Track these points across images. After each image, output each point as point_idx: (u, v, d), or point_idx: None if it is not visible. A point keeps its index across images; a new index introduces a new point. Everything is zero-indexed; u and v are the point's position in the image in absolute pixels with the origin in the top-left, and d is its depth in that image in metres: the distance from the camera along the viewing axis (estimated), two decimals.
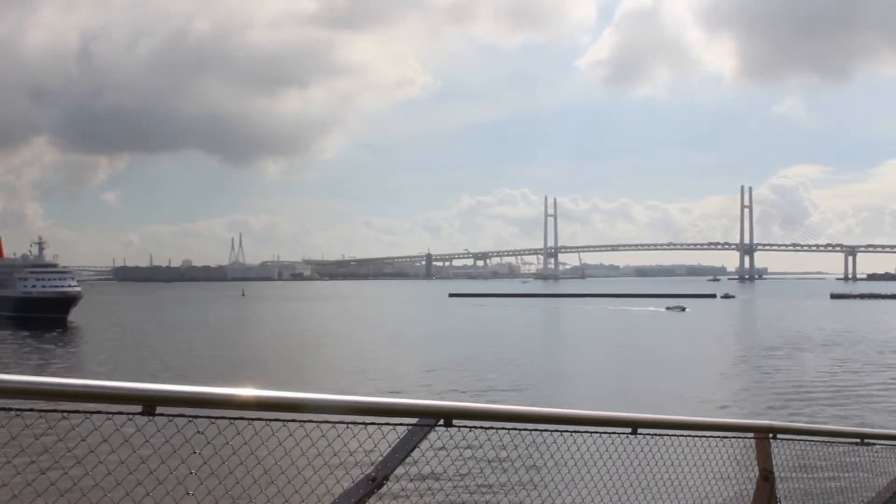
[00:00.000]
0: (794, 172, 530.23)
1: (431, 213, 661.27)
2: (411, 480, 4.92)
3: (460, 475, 5.39)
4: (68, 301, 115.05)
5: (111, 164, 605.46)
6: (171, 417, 3.76)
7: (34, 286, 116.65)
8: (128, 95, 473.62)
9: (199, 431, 3.96)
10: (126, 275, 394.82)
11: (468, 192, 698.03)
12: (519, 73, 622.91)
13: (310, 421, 4.15)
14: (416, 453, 4.59)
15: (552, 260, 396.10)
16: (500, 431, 4.95)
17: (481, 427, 4.84)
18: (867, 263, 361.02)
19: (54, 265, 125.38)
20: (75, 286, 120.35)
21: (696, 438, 6.57)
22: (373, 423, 4.41)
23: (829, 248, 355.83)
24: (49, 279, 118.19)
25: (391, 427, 4.49)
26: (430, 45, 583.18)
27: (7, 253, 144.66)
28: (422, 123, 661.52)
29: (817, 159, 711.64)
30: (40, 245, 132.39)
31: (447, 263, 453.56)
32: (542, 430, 5.28)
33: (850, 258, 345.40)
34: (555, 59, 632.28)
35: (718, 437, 6.72)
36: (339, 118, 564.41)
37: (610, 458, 6.04)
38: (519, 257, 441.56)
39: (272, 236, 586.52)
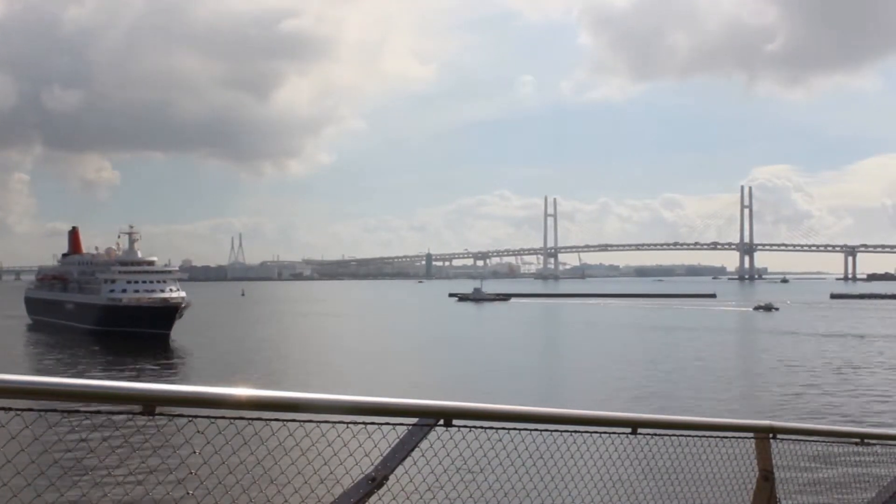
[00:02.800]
0: (768, 172, 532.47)
1: (419, 212, 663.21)
2: (411, 480, 4.92)
3: (460, 475, 5.38)
4: (170, 312, 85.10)
5: (102, 163, 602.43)
6: (170, 417, 3.76)
7: (124, 291, 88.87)
8: (116, 92, 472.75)
9: (198, 431, 3.96)
10: None
11: (455, 192, 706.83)
12: (503, 70, 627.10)
13: (310, 421, 4.15)
14: (415, 453, 4.58)
15: (552, 260, 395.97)
16: (500, 431, 4.95)
17: (481, 427, 4.83)
18: (867, 263, 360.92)
19: (150, 262, 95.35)
20: (178, 291, 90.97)
21: (696, 438, 6.57)
22: (372, 423, 4.41)
23: (829, 249, 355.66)
24: (143, 282, 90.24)
25: (391, 427, 4.49)
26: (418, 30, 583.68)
27: (86, 247, 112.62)
28: (405, 123, 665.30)
29: (785, 159, 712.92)
30: (130, 236, 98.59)
31: (447, 263, 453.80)
32: (542, 430, 5.28)
33: (850, 258, 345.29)
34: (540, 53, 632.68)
35: (718, 437, 6.71)
36: (326, 112, 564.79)
37: (610, 458, 6.03)
38: (519, 257, 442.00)
39: (270, 236, 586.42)
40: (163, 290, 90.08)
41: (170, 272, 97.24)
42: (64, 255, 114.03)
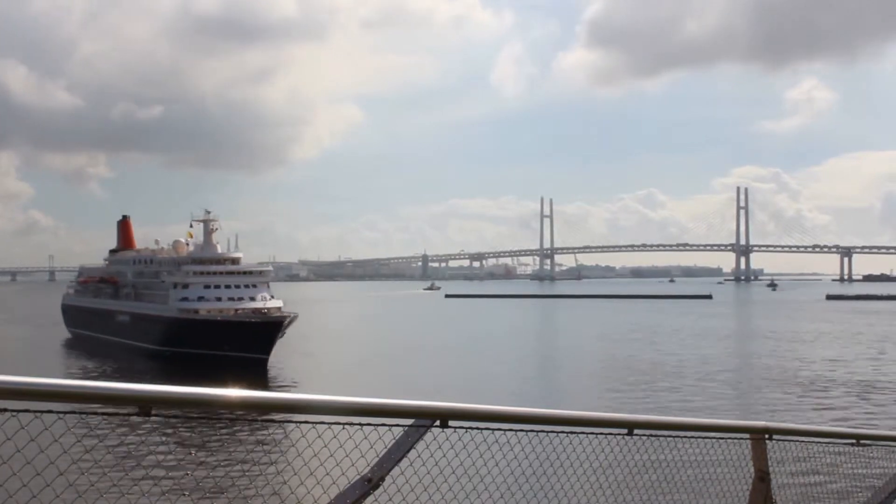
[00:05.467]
0: (741, 173, 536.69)
1: (410, 213, 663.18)
2: (407, 481, 4.92)
3: (456, 476, 5.39)
4: (272, 329, 62.58)
5: (92, 164, 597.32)
6: (166, 419, 3.75)
7: (201, 299, 66.71)
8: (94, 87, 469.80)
9: (194, 432, 3.97)
10: None
11: (442, 192, 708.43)
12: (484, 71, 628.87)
13: (306, 422, 4.15)
14: (411, 454, 4.59)
15: (548, 261, 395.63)
16: (495, 432, 4.95)
17: (477, 428, 4.84)
18: (863, 264, 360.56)
19: (234, 259, 71.11)
20: (273, 299, 68.77)
21: (692, 439, 6.58)
22: (369, 424, 4.41)
23: (825, 250, 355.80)
24: (227, 286, 67.61)
25: (387, 428, 4.49)
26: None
27: (139, 240, 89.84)
28: (395, 122, 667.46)
29: (751, 160, 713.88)
30: (206, 225, 73.66)
31: (443, 264, 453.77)
32: (538, 431, 5.29)
33: (846, 259, 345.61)
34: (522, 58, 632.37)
35: (714, 437, 6.73)
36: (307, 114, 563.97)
37: (606, 458, 6.04)
38: (515, 258, 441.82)
39: (265, 237, 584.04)
40: (253, 298, 67.35)
41: (262, 273, 72.58)
42: (112, 252, 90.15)
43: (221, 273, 68.84)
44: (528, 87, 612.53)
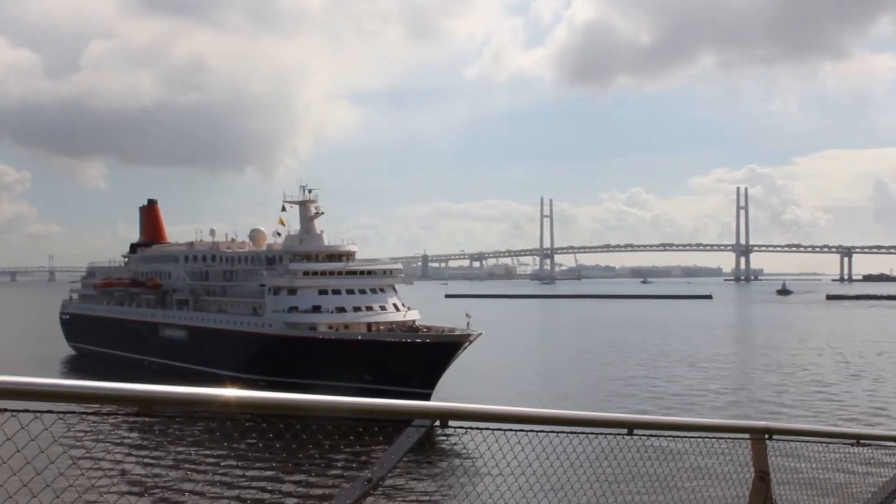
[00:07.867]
0: (719, 175, 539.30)
1: (405, 214, 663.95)
2: (407, 481, 4.93)
3: (456, 476, 5.40)
4: (444, 354, 45.15)
5: (92, 167, 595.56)
6: (166, 419, 3.75)
7: (317, 308, 50.00)
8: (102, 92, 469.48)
9: (194, 433, 3.97)
10: None
11: (434, 194, 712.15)
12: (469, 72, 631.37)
13: (306, 423, 4.14)
14: (412, 454, 4.59)
15: (548, 261, 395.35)
16: (495, 432, 4.96)
17: (477, 428, 4.84)
18: (862, 264, 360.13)
19: (349, 253, 54.56)
20: (408, 307, 52.63)
21: (692, 439, 6.58)
22: (369, 424, 4.42)
23: (825, 250, 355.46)
24: (349, 291, 50.94)
25: (387, 428, 4.49)
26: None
27: (170, 233, 73.78)
28: (386, 122, 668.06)
29: (723, 162, 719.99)
30: (305, 207, 56.00)
31: (443, 264, 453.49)
32: (537, 431, 5.29)
33: (846, 259, 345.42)
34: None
35: (714, 437, 6.73)
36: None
37: (606, 458, 6.04)
38: (515, 259, 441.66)
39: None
40: (384, 307, 51.00)
41: (391, 272, 54.85)
42: (136, 246, 72.04)
43: (340, 273, 51.56)
44: (514, 86, 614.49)
